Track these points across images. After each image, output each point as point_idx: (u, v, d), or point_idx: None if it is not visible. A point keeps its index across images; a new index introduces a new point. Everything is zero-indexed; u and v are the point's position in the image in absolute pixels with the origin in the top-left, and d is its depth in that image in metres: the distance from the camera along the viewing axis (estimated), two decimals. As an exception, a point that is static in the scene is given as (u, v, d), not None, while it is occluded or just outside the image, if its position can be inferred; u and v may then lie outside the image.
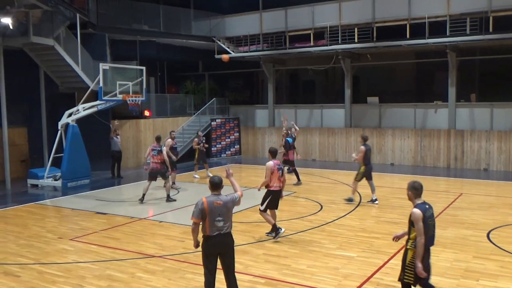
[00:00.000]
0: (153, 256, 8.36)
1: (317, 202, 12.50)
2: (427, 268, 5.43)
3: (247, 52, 22.21)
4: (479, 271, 7.39)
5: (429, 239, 5.40)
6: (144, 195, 12.76)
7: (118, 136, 17.52)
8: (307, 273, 7.39)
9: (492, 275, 7.22)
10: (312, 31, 20.59)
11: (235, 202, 5.98)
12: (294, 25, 21.18)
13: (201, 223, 5.79)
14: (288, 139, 15.31)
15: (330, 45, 20.01)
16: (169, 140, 14.62)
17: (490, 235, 9.30)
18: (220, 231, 5.74)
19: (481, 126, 18.63)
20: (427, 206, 5.41)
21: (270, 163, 9.01)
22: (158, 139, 13.09)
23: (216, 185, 5.85)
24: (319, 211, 11.61)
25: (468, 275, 7.20)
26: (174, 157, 14.41)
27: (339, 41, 19.79)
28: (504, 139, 17.82)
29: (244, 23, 22.57)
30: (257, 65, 24.26)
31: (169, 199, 12.95)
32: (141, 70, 16.03)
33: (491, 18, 16.85)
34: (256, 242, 9.04)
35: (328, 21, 20.07)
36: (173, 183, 14.76)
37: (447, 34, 17.60)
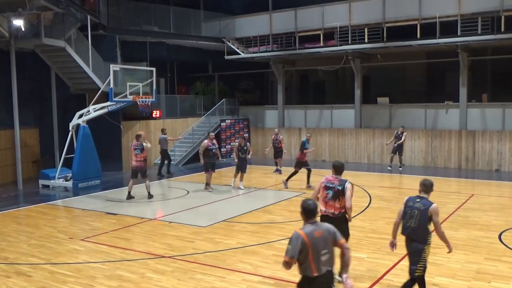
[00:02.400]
0: (163, 257, 8.38)
1: (327, 203, 12.42)
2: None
3: (256, 53, 22.22)
4: (491, 272, 7.31)
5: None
6: (129, 192, 13.35)
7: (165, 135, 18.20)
8: (317, 274, 7.35)
9: (504, 277, 7.14)
10: (322, 31, 20.55)
11: (335, 232, 4.77)
12: (304, 25, 21.15)
13: (296, 262, 4.58)
14: (305, 141, 14.96)
15: (340, 46, 19.96)
16: (205, 141, 14.58)
17: (502, 237, 9.20)
18: (328, 268, 4.62)
19: (492, 126, 18.44)
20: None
21: (322, 179, 7.53)
22: (137, 136, 13.26)
23: (311, 212, 4.69)
24: (329, 212, 11.54)
25: (480, 277, 7.13)
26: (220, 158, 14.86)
27: (349, 42, 19.73)
28: (516, 140, 17.63)
29: (254, 24, 22.59)
30: (267, 66, 24.24)
31: (150, 195, 13.45)
32: (151, 71, 16.10)
33: (503, 18, 16.69)
34: (265, 243, 9.01)
35: (338, 21, 20.03)
36: (208, 184, 14.60)
37: (458, 34, 17.47)
